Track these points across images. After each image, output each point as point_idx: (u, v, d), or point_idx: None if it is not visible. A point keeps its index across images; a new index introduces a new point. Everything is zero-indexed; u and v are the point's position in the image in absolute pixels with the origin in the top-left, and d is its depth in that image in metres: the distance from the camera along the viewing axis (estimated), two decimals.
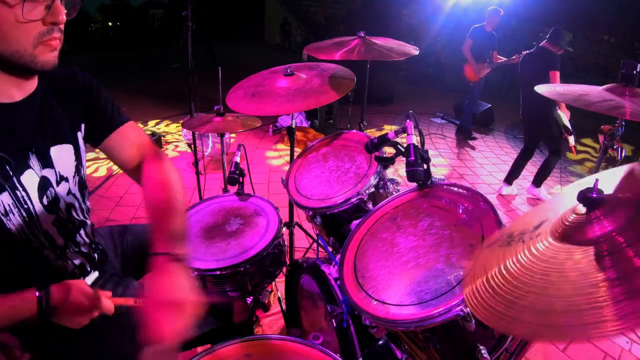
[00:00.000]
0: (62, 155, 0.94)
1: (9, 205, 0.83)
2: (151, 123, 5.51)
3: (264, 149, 4.64)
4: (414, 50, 1.68)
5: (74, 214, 1.02)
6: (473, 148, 5.08)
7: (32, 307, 0.77)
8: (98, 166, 4.08)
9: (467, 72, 4.99)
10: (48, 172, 0.91)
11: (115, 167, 4.08)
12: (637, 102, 1.27)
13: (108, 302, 0.82)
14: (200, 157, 3.79)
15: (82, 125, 1.01)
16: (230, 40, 17.04)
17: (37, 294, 0.78)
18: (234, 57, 12.12)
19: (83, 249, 1.07)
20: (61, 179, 0.95)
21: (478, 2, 7.96)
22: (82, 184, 1.04)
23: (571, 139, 3.37)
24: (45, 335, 0.99)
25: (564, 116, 3.35)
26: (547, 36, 3.42)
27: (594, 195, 0.61)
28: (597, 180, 0.62)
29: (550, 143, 3.61)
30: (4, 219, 0.82)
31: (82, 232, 1.07)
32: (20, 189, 0.85)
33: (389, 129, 5.59)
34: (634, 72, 1.41)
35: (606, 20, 7.36)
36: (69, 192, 0.98)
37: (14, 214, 0.84)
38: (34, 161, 0.88)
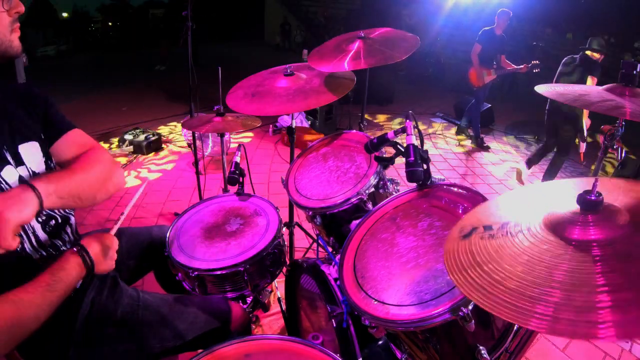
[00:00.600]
0: (30, 152, 0.96)
1: None
2: (151, 123, 5.50)
3: (264, 149, 4.65)
4: (415, 42, 1.61)
5: (54, 211, 1.02)
6: (473, 148, 5.07)
7: (77, 262, 0.89)
8: None
9: (471, 76, 4.90)
10: (22, 170, 0.93)
11: None
12: (637, 102, 1.26)
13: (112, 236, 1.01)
14: (200, 157, 3.79)
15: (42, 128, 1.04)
16: (230, 40, 17.04)
17: (75, 249, 0.91)
18: (234, 57, 12.12)
19: (69, 246, 1.06)
20: (34, 175, 0.96)
21: (478, 2, 7.96)
22: None
23: (583, 146, 3.46)
24: (42, 342, 0.98)
25: (585, 124, 3.46)
26: (587, 45, 3.55)
27: (592, 198, 0.62)
28: (596, 180, 0.63)
29: (562, 144, 3.75)
30: None
31: (67, 229, 1.07)
32: (4, 183, 0.88)
33: (388, 128, 5.59)
34: (634, 72, 1.41)
35: (606, 20, 7.35)
36: None
37: None
38: (9, 157, 0.90)
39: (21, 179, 0.93)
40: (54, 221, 1.01)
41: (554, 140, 3.83)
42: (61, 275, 0.86)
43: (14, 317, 0.77)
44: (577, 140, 3.61)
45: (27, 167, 0.95)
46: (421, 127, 5.79)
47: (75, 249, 0.91)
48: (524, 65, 4.65)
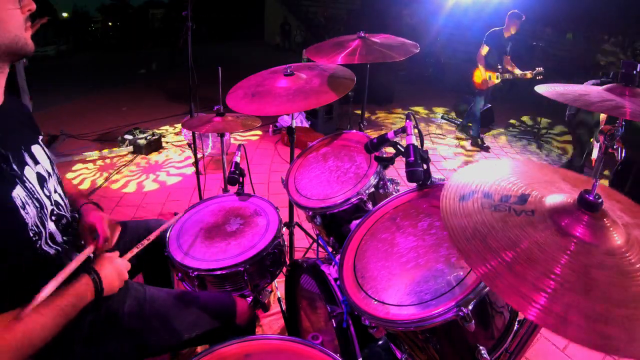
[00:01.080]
0: (40, 153, 1.01)
1: (24, 197, 0.88)
2: (151, 123, 5.50)
3: (264, 149, 4.65)
4: (414, 48, 1.65)
5: (62, 210, 1.06)
6: (473, 148, 5.07)
7: (90, 288, 0.95)
8: (97, 168, 4.10)
9: (475, 78, 4.79)
10: (39, 168, 0.97)
11: (114, 169, 4.08)
12: (637, 102, 1.26)
13: (126, 262, 1.09)
14: (200, 157, 3.78)
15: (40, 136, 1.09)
16: (230, 40, 17.04)
17: (89, 275, 0.97)
18: (234, 57, 12.12)
19: (74, 241, 1.09)
20: (48, 175, 1.01)
21: (478, 2, 7.96)
22: (60, 182, 1.09)
23: (595, 151, 3.51)
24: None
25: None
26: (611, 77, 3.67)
27: (591, 198, 0.62)
28: (596, 181, 0.63)
29: (578, 146, 3.87)
30: (22, 212, 0.86)
31: (75, 224, 1.11)
32: (28, 182, 0.92)
33: (388, 128, 5.58)
34: (634, 72, 1.41)
35: (606, 20, 7.35)
36: (55, 189, 1.03)
37: (29, 205, 0.89)
38: (27, 158, 0.95)
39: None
40: (64, 220, 1.05)
41: (580, 143, 3.89)
42: (74, 302, 0.92)
43: (25, 337, 0.81)
44: (592, 143, 3.67)
45: (42, 166, 0.99)
46: (421, 126, 5.79)
47: (89, 275, 0.97)
48: (530, 72, 4.60)
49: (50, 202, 1.00)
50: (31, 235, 0.89)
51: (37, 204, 0.92)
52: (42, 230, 0.94)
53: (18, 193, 0.86)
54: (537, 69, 4.55)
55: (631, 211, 0.72)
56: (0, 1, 0.81)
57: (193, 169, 4.07)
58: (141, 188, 3.68)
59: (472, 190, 0.75)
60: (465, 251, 0.63)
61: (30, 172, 0.94)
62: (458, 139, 5.35)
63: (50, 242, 0.98)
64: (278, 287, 1.97)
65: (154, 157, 4.43)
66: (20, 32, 0.86)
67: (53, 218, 0.99)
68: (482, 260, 0.60)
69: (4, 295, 0.83)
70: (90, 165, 4.03)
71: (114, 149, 4.47)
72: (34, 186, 0.93)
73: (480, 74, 4.74)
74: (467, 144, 5.18)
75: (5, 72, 0.90)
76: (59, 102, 5.74)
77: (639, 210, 0.73)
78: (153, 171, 4.06)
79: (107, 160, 4.13)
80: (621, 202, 0.74)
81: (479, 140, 5.03)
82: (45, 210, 0.96)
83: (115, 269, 1.03)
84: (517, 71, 4.69)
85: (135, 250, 1.17)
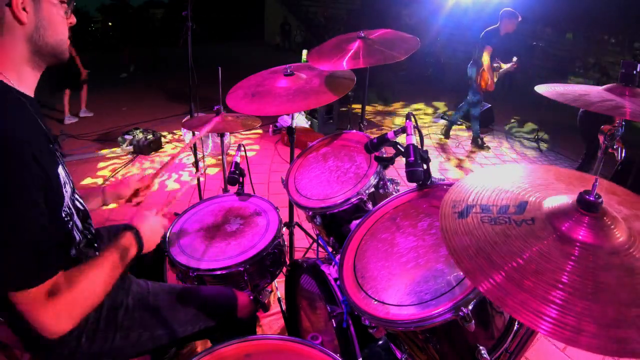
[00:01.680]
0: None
1: (64, 176, 0.95)
2: (151, 123, 5.50)
3: (264, 149, 4.65)
4: (415, 43, 1.62)
5: (78, 202, 1.08)
6: (473, 148, 5.07)
7: (133, 243, 1.02)
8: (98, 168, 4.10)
9: (483, 81, 4.67)
10: (63, 165, 1.02)
11: (110, 169, 4.08)
12: (637, 102, 1.26)
13: (160, 217, 1.15)
14: (200, 158, 3.78)
15: None
16: (230, 40, 17.03)
17: (132, 232, 1.03)
18: (234, 57, 12.11)
19: (89, 237, 1.11)
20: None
21: (478, 2, 7.96)
22: (70, 178, 1.11)
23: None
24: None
25: None
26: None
27: (591, 199, 0.62)
28: (596, 180, 0.62)
29: (591, 146, 3.96)
30: (63, 189, 0.92)
31: (88, 220, 1.13)
32: (64, 163, 0.98)
33: (389, 129, 5.58)
34: (634, 72, 1.41)
35: (606, 20, 7.35)
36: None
37: (67, 184, 0.96)
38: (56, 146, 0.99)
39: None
40: (81, 212, 1.09)
41: (594, 144, 3.89)
42: (123, 254, 0.98)
43: (89, 288, 0.87)
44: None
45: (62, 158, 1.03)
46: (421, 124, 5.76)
47: (131, 231, 1.04)
48: (511, 65, 4.65)
49: (73, 190, 1.04)
50: (63, 215, 0.93)
51: (71, 185, 0.98)
52: (73, 212, 0.99)
53: (60, 171, 0.92)
54: (513, 58, 4.66)
55: (629, 202, 0.71)
56: (55, 7, 0.90)
57: (217, 169, 4.06)
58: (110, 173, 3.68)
59: (470, 205, 0.74)
60: (470, 271, 0.61)
61: (62, 158, 0.99)
62: (458, 139, 5.33)
63: (76, 229, 1.01)
64: (278, 287, 1.97)
65: (163, 157, 4.41)
66: (64, 37, 0.94)
67: (75, 206, 1.03)
68: (488, 279, 0.58)
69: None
70: (99, 180, 3.98)
71: (114, 149, 4.47)
72: (67, 169, 1.00)
73: (486, 76, 4.70)
74: (448, 142, 5.16)
75: (42, 70, 0.95)
76: (59, 101, 5.74)
77: (637, 200, 0.72)
78: (175, 170, 4.01)
79: (114, 173, 4.08)
80: (618, 194, 0.73)
81: (479, 140, 5.03)
82: (74, 195, 1.01)
83: (152, 225, 1.10)
84: (506, 66, 4.73)
85: (165, 206, 1.19)
